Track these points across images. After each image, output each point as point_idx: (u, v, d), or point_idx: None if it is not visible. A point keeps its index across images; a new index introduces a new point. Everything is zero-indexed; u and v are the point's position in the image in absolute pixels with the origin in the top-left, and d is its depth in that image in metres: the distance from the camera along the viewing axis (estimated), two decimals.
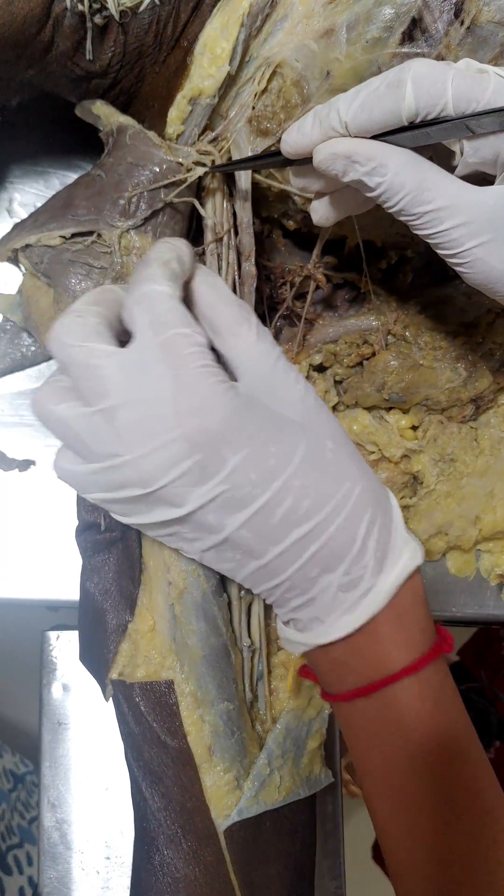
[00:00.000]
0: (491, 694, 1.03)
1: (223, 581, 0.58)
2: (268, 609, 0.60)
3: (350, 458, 0.43)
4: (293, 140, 0.47)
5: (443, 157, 0.46)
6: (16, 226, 0.58)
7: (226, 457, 0.39)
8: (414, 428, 0.65)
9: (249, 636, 0.59)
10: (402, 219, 0.45)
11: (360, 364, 0.64)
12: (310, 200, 0.57)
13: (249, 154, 0.54)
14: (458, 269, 0.46)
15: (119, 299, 0.44)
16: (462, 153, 0.44)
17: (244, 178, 0.55)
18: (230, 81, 0.54)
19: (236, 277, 0.57)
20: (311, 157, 0.46)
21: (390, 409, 0.65)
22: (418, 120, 0.42)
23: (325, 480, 0.41)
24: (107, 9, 0.54)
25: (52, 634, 0.69)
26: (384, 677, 0.43)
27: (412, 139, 0.43)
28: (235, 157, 0.54)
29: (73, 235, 0.54)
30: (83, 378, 0.41)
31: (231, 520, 0.41)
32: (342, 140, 0.44)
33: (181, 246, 0.45)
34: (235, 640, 0.58)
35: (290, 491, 0.40)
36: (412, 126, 0.43)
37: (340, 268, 0.63)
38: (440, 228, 0.44)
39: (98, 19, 0.55)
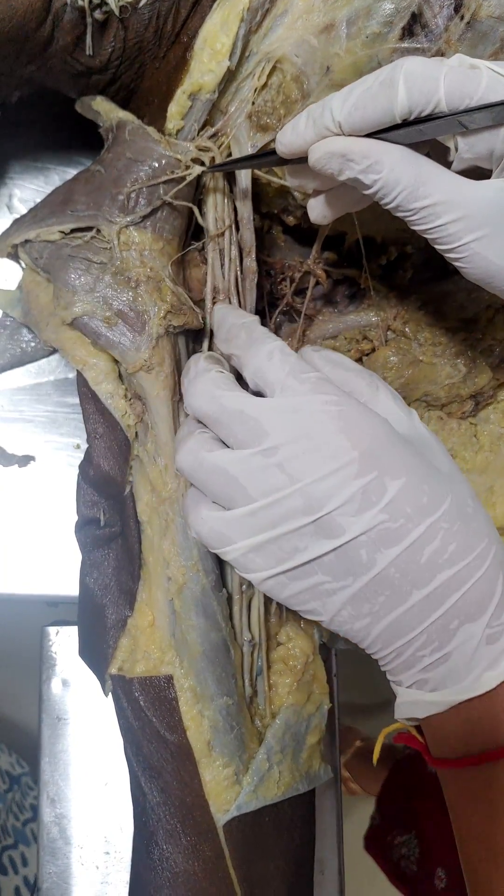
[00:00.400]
0: None
1: (223, 576, 0.58)
2: (268, 604, 0.61)
3: (486, 521, 0.44)
4: (287, 140, 0.47)
5: (439, 154, 0.45)
6: (15, 221, 0.58)
7: (386, 484, 0.41)
8: None
9: (250, 631, 0.59)
10: (399, 215, 0.45)
11: (360, 360, 0.64)
12: (309, 197, 0.57)
13: (248, 150, 0.54)
14: (456, 263, 0.46)
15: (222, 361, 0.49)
16: (457, 149, 0.44)
17: (244, 175, 0.55)
18: (230, 77, 0.54)
19: (238, 273, 0.57)
20: (307, 157, 0.46)
21: None
22: (412, 117, 0.42)
23: (469, 532, 0.42)
24: (107, 4, 0.54)
25: (52, 630, 0.69)
26: (495, 749, 0.42)
27: (406, 136, 0.43)
28: (235, 152, 0.54)
29: (73, 231, 0.54)
30: (239, 423, 0.43)
31: (383, 555, 0.41)
32: (337, 139, 0.44)
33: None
34: (235, 636, 0.58)
35: (438, 531, 0.41)
36: (406, 123, 0.43)
37: (340, 264, 0.63)
38: (437, 223, 0.43)
39: (98, 14, 0.54)
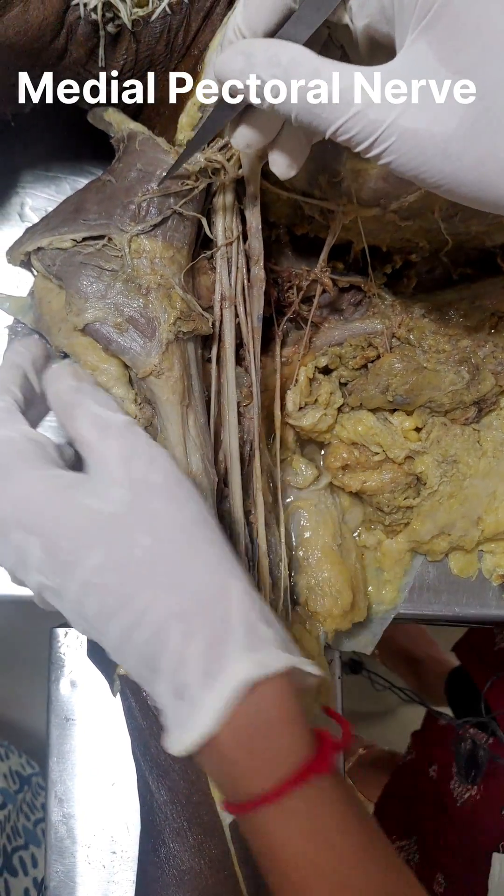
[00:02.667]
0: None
1: None
2: (274, 605, 0.61)
3: (168, 561, 0.41)
4: (207, 76, 0.46)
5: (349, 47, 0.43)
6: (27, 230, 0.59)
7: (28, 545, 0.41)
8: (418, 430, 0.66)
9: None
10: (307, 119, 0.40)
11: (365, 367, 0.65)
12: (316, 206, 0.58)
13: (257, 162, 0.55)
14: (387, 158, 0.39)
15: None
16: (352, 21, 0.41)
17: (253, 185, 0.56)
18: None
19: (245, 281, 0.58)
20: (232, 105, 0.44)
21: (394, 410, 0.66)
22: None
23: (127, 584, 0.40)
24: (119, 17, 0.55)
25: (60, 631, 0.70)
26: (242, 802, 0.39)
27: (298, 31, 0.41)
28: (245, 164, 0.55)
29: (84, 239, 0.55)
30: None
31: (62, 604, 0.42)
32: (241, 41, 0.41)
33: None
34: None
35: (93, 588, 0.40)
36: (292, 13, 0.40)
37: (346, 272, 0.64)
38: (352, 112, 0.38)
39: (111, 28, 0.56)
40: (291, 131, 0.47)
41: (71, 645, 0.69)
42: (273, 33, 0.41)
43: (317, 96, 0.39)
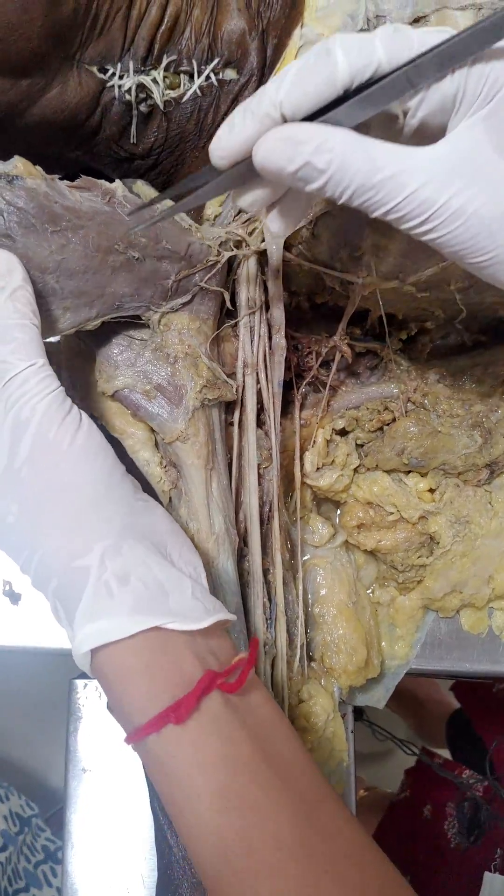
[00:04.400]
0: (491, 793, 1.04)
1: (248, 637, 0.60)
2: (290, 662, 0.63)
3: (24, 529, 0.45)
4: (225, 143, 0.42)
5: (385, 129, 0.42)
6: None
7: None
8: (431, 491, 0.68)
9: (273, 690, 0.61)
10: (360, 202, 0.41)
11: (381, 429, 0.67)
12: (336, 278, 0.60)
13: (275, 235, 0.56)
14: (433, 236, 0.41)
15: None
16: (405, 114, 0.41)
17: (276, 256, 0.59)
18: None
19: (267, 349, 0.60)
20: (246, 166, 0.42)
21: (409, 472, 0.68)
22: (353, 86, 0.39)
23: (7, 547, 0.46)
24: (152, 98, 0.58)
25: (80, 682, 0.71)
26: (129, 734, 0.43)
27: (350, 114, 0.40)
28: (267, 239, 0.57)
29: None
30: None
31: None
32: (281, 127, 0.40)
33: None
34: None
35: None
36: (347, 96, 0.39)
37: (363, 337, 0.66)
38: (405, 194, 0.39)
39: (143, 107, 0.59)
40: (295, 195, 0.47)
41: (90, 696, 0.70)
42: (313, 115, 0.40)
43: (371, 185, 0.39)
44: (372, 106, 0.39)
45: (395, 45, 0.39)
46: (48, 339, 0.52)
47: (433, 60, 0.38)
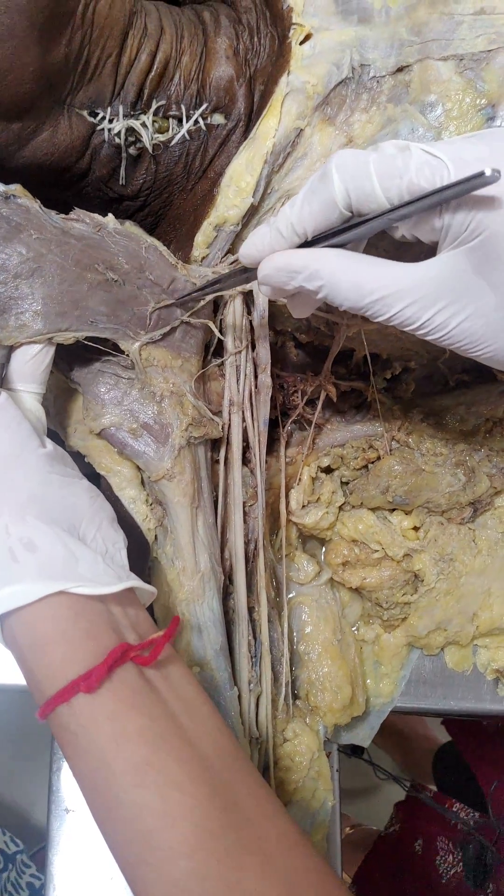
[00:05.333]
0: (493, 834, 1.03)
1: (234, 675, 0.60)
2: (275, 700, 0.63)
3: None
4: (248, 249, 0.48)
5: (384, 238, 0.47)
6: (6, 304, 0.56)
7: None
8: (416, 528, 0.69)
9: (258, 728, 0.61)
10: (355, 312, 0.46)
11: (366, 467, 0.68)
12: (322, 319, 0.61)
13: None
14: (428, 338, 0.46)
15: None
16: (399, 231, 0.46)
17: (261, 298, 0.60)
18: (253, 211, 0.58)
19: (253, 388, 0.61)
20: None
21: (394, 510, 0.69)
22: (353, 204, 0.44)
23: None
24: (141, 141, 0.59)
25: None
26: (41, 705, 0.43)
27: (343, 239, 0.45)
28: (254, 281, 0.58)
29: (87, 338, 0.56)
30: None
31: None
32: (277, 254, 0.46)
33: None
34: (244, 732, 0.60)
35: None
36: (346, 228, 0.45)
37: (348, 376, 0.67)
38: (393, 312, 0.44)
39: (133, 150, 0.59)
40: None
41: None
42: (321, 230, 0.46)
43: (361, 305, 0.44)
44: (362, 237, 0.45)
45: (387, 171, 0.42)
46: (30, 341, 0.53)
47: (413, 209, 0.42)
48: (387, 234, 0.46)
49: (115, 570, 0.47)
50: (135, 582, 0.47)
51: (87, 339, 0.55)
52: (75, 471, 0.51)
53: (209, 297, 0.57)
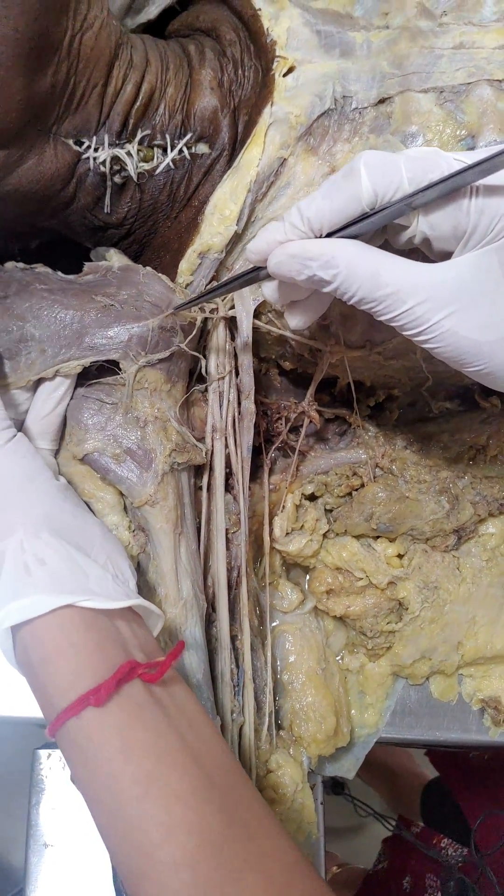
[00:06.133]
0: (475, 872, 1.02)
1: (216, 704, 0.60)
2: (258, 731, 0.62)
3: None
4: (257, 244, 0.47)
5: (398, 235, 0.47)
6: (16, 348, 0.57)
7: None
8: (400, 556, 0.68)
9: (241, 759, 0.60)
10: (364, 308, 0.45)
11: (350, 494, 0.68)
12: (305, 345, 0.61)
13: (251, 304, 0.59)
14: (426, 345, 0.46)
15: None
16: (417, 224, 0.45)
17: (245, 324, 0.60)
18: (237, 239, 0.59)
19: (236, 414, 0.61)
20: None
21: (378, 537, 0.68)
22: (377, 205, 0.43)
23: None
24: (126, 170, 0.59)
25: (43, 753, 0.69)
26: (51, 721, 0.44)
27: (360, 230, 0.44)
28: (238, 307, 0.59)
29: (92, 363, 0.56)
30: None
31: None
32: (292, 242, 0.45)
33: None
34: None
35: None
36: (361, 218, 0.44)
37: (332, 404, 0.67)
38: (402, 309, 0.44)
39: (118, 179, 0.60)
40: (318, 296, 0.51)
41: (53, 767, 0.68)
42: (337, 227, 0.45)
43: (374, 297, 0.44)
44: (374, 226, 0.44)
45: (420, 169, 0.43)
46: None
47: (434, 192, 0.42)
48: (390, 245, 0.46)
49: (124, 588, 0.48)
50: (144, 602, 0.48)
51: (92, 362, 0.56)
52: (87, 509, 0.54)
53: (219, 294, 0.55)
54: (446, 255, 0.46)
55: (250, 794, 0.44)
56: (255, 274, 0.50)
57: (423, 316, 0.44)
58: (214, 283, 0.57)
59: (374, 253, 0.44)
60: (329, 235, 0.45)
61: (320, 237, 0.45)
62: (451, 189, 0.42)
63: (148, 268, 0.58)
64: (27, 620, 0.43)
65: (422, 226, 0.45)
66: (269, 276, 0.49)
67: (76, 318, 0.56)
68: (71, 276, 0.57)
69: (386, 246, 0.47)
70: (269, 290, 0.51)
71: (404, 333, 0.46)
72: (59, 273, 0.57)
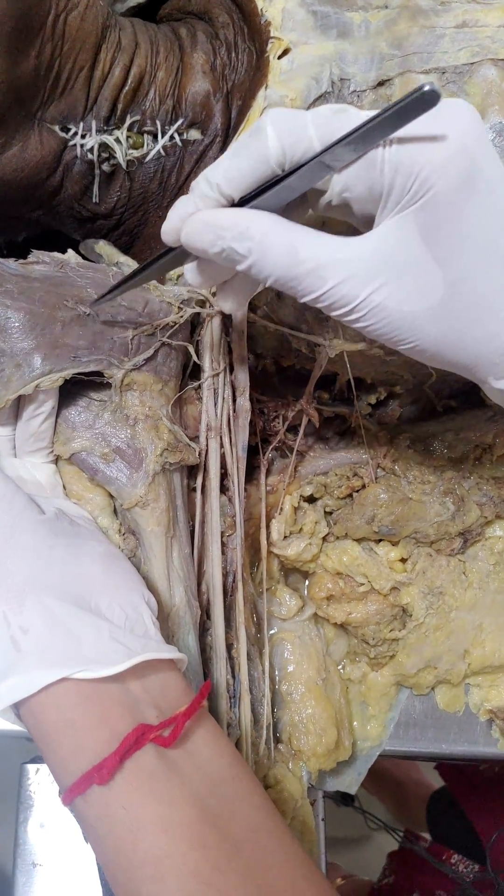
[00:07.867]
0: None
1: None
2: (256, 745, 0.59)
3: None
4: (169, 221, 0.43)
5: (318, 201, 0.43)
6: None
7: None
8: (403, 560, 0.65)
9: None
10: (284, 289, 0.42)
11: (351, 496, 0.65)
12: (303, 340, 0.59)
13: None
14: (358, 325, 0.42)
15: None
16: (332, 186, 0.41)
17: (239, 317, 0.57)
18: None
19: (231, 412, 0.58)
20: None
21: (380, 541, 0.66)
22: (287, 164, 0.40)
23: None
24: (115, 157, 0.57)
25: (31, 767, 0.66)
26: (63, 793, 0.41)
27: (277, 198, 0.41)
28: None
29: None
30: None
31: None
32: (204, 211, 0.41)
33: None
34: None
35: None
36: (276, 181, 0.40)
37: (331, 402, 0.65)
38: (325, 288, 0.40)
39: (106, 167, 0.58)
40: (243, 277, 0.47)
41: (42, 783, 0.65)
42: (250, 192, 0.41)
43: (292, 275, 0.40)
44: (293, 192, 0.41)
45: (327, 125, 0.39)
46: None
47: (347, 148, 0.38)
48: (311, 214, 0.44)
49: (128, 642, 0.43)
50: (150, 654, 0.43)
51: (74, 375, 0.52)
52: (90, 533, 0.49)
53: (137, 282, 0.50)
54: (371, 220, 0.42)
55: (284, 852, 0.41)
56: (175, 256, 0.46)
57: (348, 294, 0.40)
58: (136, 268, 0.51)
59: (291, 227, 0.41)
60: (242, 205, 0.42)
61: (233, 206, 0.42)
62: (363, 144, 0.38)
63: (125, 258, 0.55)
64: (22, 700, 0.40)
65: (336, 186, 0.41)
66: (191, 257, 0.45)
67: (48, 326, 0.52)
68: (16, 266, 0.52)
69: (312, 221, 0.44)
70: (189, 270, 0.47)
71: (332, 314, 0.42)
72: (8, 262, 0.52)
